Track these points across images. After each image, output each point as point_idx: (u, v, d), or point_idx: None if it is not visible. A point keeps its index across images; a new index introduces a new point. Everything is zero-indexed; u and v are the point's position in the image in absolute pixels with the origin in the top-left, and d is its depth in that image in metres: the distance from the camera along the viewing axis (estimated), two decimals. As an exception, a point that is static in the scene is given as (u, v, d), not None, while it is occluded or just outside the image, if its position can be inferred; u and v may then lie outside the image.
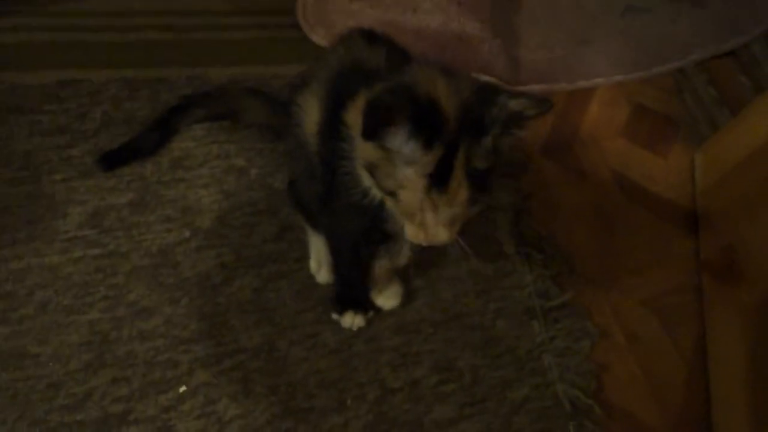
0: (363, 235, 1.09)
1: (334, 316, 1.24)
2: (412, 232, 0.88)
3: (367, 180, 0.92)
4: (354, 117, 0.91)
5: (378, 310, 1.27)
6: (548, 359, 1.29)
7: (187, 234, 1.29)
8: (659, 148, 1.66)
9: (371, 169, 0.85)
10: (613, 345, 1.34)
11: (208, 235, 1.30)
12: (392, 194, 0.85)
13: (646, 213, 1.54)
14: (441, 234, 0.86)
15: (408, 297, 1.30)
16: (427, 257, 1.35)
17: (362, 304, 1.24)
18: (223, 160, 1.39)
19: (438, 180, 0.80)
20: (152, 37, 1.57)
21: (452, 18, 1.63)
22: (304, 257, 1.30)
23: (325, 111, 1.01)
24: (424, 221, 0.85)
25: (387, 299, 1.27)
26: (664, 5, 1.88)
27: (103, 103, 1.41)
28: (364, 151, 0.85)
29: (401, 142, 0.79)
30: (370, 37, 1.03)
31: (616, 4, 1.87)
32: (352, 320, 1.23)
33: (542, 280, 1.39)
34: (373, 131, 0.78)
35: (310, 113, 1.04)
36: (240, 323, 1.22)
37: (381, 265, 1.21)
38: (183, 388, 1.14)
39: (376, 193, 0.93)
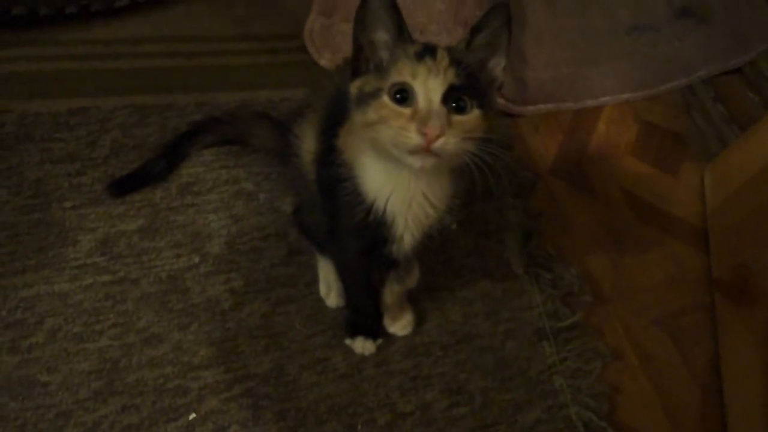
0: (368, 260, 1.09)
1: (347, 340, 1.24)
2: (403, 130, 0.81)
3: (372, 192, 0.94)
4: (344, 141, 0.95)
5: (388, 336, 1.27)
6: (560, 381, 1.28)
7: (196, 259, 1.29)
8: (668, 165, 1.66)
9: (358, 98, 0.86)
10: (626, 366, 1.33)
11: (217, 261, 1.30)
12: (379, 91, 0.83)
13: (656, 231, 1.54)
14: (434, 122, 0.79)
15: (418, 320, 1.29)
16: (437, 278, 1.35)
17: (373, 330, 1.23)
18: (232, 184, 1.40)
19: (424, 54, 0.83)
20: (160, 63, 1.58)
21: (458, 39, 1.63)
22: (313, 281, 1.30)
23: (320, 139, 1.03)
24: (417, 107, 0.81)
25: (401, 329, 1.27)
26: (670, 23, 1.88)
27: (113, 130, 1.42)
28: (353, 88, 0.87)
29: (384, 36, 0.85)
30: None
31: (622, 22, 1.87)
32: (362, 345, 1.23)
33: (552, 301, 1.38)
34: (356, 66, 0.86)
35: (307, 142, 1.06)
36: (249, 349, 1.22)
37: (392, 291, 1.21)
38: (193, 416, 1.14)
39: (380, 205, 0.94)
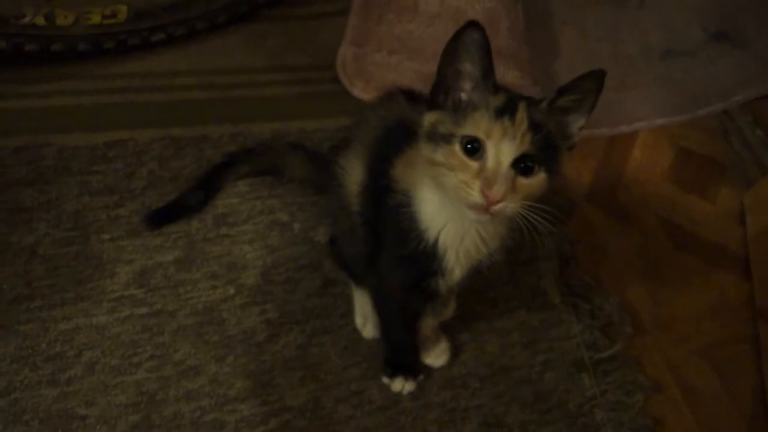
0: (410, 293, 1.08)
1: (385, 379, 1.22)
2: (467, 186, 0.82)
3: (425, 222, 0.94)
4: (401, 171, 0.95)
5: (425, 369, 1.25)
6: (600, 414, 1.25)
7: (231, 291, 1.30)
8: (706, 191, 1.63)
9: (430, 133, 0.85)
10: (668, 398, 1.30)
11: (252, 292, 1.30)
12: (452, 137, 0.83)
13: (695, 259, 1.51)
14: (499, 184, 0.79)
15: (454, 351, 1.28)
16: (472, 309, 1.33)
17: (413, 368, 1.22)
18: (267, 215, 1.40)
19: (503, 113, 0.82)
20: (195, 95, 1.60)
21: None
22: (348, 312, 1.29)
23: (369, 170, 1.02)
24: (485, 166, 0.81)
25: (436, 358, 1.26)
26: (705, 47, 1.86)
27: (150, 162, 1.44)
28: (426, 119, 0.87)
29: (471, 81, 0.84)
30: (410, 96, 1.04)
31: (656, 48, 1.86)
32: (402, 386, 1.21)
33: (590, 331, 1.35)
34: (436, 94, 0.86)
35: (353, 174, 1.05)
36: (285, 381, 1.21)
37: (427, 324, 1.20)
38: (230, 449, 1.13)
39: (433, 236, 0.94)
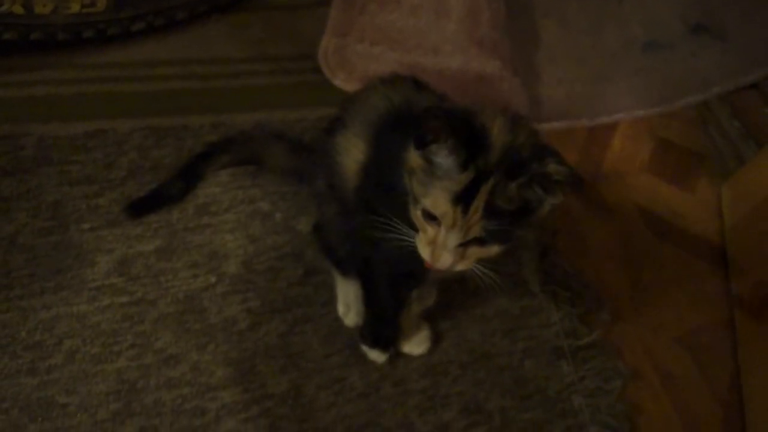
0: (403, 277, 1.10)
1: (364, 348, 1.23)
2: (421, 247, 0.89)
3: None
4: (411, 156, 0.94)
5: (409, 357, 1.26)
6: (578, 400, 1.27)
7: (213, 280, 1.30)
8: (685, 182, 1.65)
9: (410, 173, 0.87)
10: (646, 384, 1.32)
11: (233, 281, 1.30)
12: (417, 201, 0.86)
13: (674, 249, 1.52)
14: (445, 258, 0.86)
15: (435, 338, 1.28)
16: (453, 296, 1.34)
17: (388, 341, 1.23)
18: (248, 204, 1.40)
19: (460, 200, 0.82)
20: (176, 85, 1.60)
21: (472, 58, 1.63)
22: (330, 301, 1.29)
23: (373, 149, 1.02)
24: (436, 238, 0.86)
25: (416, 346, 1.26)
26: (685, 39, 1.88)
27: (130, 152, 1.44)
28: (410, 158, 0.88)
29: (443, 156, 0.82)
30: (416, 82, 1.06)
31: (636, 39, 1.87)
32: (377, 356, 1.23)
33: (570, 319, 1.37)
34: (421, 141, 0.83)
35: (353, 152, 1.05)
36: (266, 369, 1.22)
37: (410, 311, 1.20)
38: (210, 436, 1.13)
39: None
